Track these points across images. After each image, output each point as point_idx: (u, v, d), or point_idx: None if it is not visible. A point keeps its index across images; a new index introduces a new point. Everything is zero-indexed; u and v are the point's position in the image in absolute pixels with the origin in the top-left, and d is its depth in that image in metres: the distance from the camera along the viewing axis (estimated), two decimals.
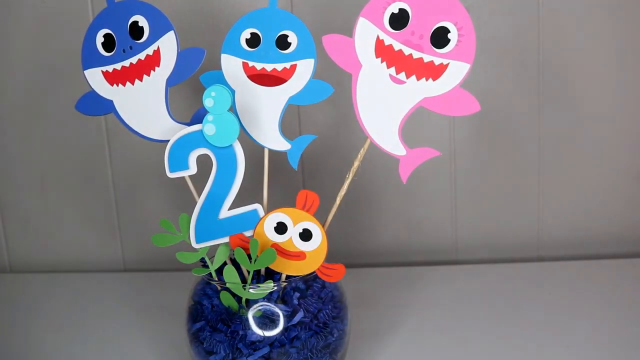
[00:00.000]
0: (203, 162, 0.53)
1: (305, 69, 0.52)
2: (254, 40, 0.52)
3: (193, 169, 0.53)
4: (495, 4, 0.73)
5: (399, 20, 0.48)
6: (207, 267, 0.54)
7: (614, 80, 0.75)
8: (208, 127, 0.51)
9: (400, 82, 0.49)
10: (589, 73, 0.75)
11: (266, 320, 0.52)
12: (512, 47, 0.74)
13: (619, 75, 0.74)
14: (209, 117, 0.50)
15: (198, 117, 0.53)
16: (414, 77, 0.49)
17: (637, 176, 0.77)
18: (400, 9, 0.48)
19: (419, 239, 0.80)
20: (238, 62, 0.53)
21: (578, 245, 0.78)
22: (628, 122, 0.76)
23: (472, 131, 0.76)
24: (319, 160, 0.77)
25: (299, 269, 0.52)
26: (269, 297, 0.52)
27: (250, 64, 0.53)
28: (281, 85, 0.52)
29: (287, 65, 0.52)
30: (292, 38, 0.52)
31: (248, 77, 0.53)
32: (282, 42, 0.52)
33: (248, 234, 0.53)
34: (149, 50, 0.54)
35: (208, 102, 0.50)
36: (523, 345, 0.59)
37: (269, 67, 0.52)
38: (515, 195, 0.78)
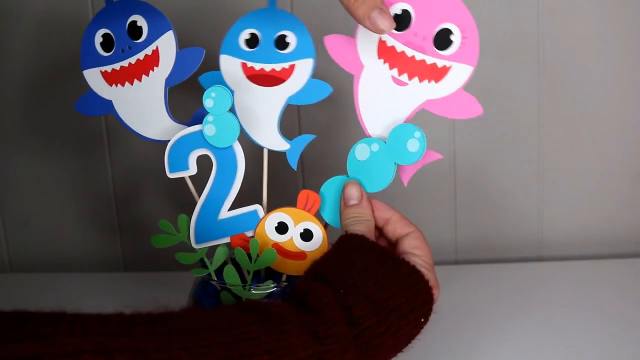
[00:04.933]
0: (203, 162, 0.53)
1: (304, 69, 0.52)
2: (252, 41, 0.52)
3: (193, 169, 0.53)
4: (495, 4, 0.73)
5: (402, 22, 0.48)
6: (207, 267, 0.54)
7: (615, 80, 0.74)
8: (208, 128, 0.51)
9: (403, 83, 0.49)
10: (589, 73, 0.74)
11: None
12: (512, 47, 0.74)
13: (619, 75, 0.74)
14: (209, 117, 0.50)
15: (198, 117, 0.53)
16: (416, 79, 0.48)
17: (637, 176, 0.77)
18: (403, 10, 0.48)
19: None
20: (237, 62, 0.53)
21: (578, 245, 0.78)
22: (628, 122, 0.75)
23: (473, 131, 0.76)
24: (319, 160, 0.77)
25: (299, 268, 0.52)
26: (269, 297, 0.52)
27: (249, 64, 0.53)
28: (280, 85, 0.52)
29: (286, 65, 0.52)
30: (291, 38, 0.52)
31: (247, 77, 0.53)
32: (281, 42, 0.52)
33: (249, 234, 0.53)
34: (148, 50, 0.54)
35: (208, 103, 0.50)
36: (523, 345, 0.59)
37: (267, 67, 0.52)
38: (515, 195, 0.78)
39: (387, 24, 0.44)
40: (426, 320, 0.44)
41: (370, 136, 0.51)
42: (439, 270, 0.76)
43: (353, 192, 0.49)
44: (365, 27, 0.44)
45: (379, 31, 0.44)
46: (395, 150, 0.49)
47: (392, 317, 0.41)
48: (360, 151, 0.50)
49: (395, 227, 0.49)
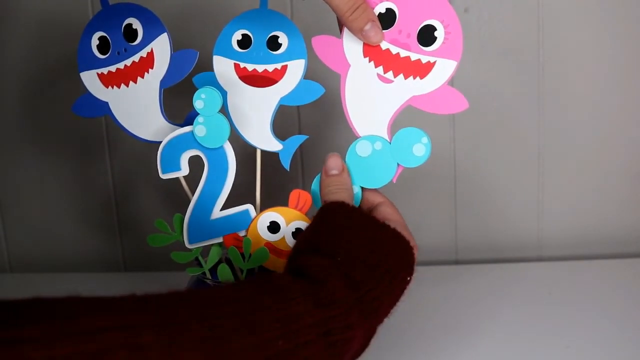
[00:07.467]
0: (198, 163, 0.54)
1: (296, 69, 0.52)
2: (245, 42, 0.53)
3: (185, 170, 0.53)
4: (495, 4, 0.73)
5: (387, 20, 0.48)
6: (202, 266, 0.54)
7: (614, 80, 0.74)
8: (198, 129, 0.51)
9: (388, 81, 0.49)
10: (589, 73, 0.74)
11: None
12: (512, 47, 0.74)
13: (619, 75, 0.74)
14: (199, 118, 0.51)
15: (191, 118, 0.54)
16: (401, 76, 0.49)
17: (637, 176, 0.76)
18: (387, 9, 0.48)
19: (419, 239, 0.80)
20: (230, 63, 0.53)
21: (578, 245, 0.78)
22: (628, 122, 0.75)
23: (472, 131, 0.76)
24: (319, 160, 0.77)
25: None
26: None
27: (242, 65, 0.53)
28: (272, 86, 0.52)
29: (278, 66, 0.52)
30: (283, 39, 0.52)
31: (240, 78, 0.53)
32: (273, 43, 0.52)
33: (242, 233, 0.53)
34: (143, 53, 0.54)
35: (198, 104, 0.50)
36: (523, 345, 0.59)
37: (260, 68, 0.52)
38: (515, 195, 0.78)
39: (379, 37, 0.48)
40: (411, 278, 0.46)
41: (358, 134, 0.51)
42: (439, 270, 0.76)
43: (334, 163, 0.50)
44: (359, 38, 0.48)
45: (370, 43, 0.48)
46: (400, 152, 0.50)
47: (386, 278, 0.43)
48: (362, 147, 0.50)
49: (367, 196, 0.51)
